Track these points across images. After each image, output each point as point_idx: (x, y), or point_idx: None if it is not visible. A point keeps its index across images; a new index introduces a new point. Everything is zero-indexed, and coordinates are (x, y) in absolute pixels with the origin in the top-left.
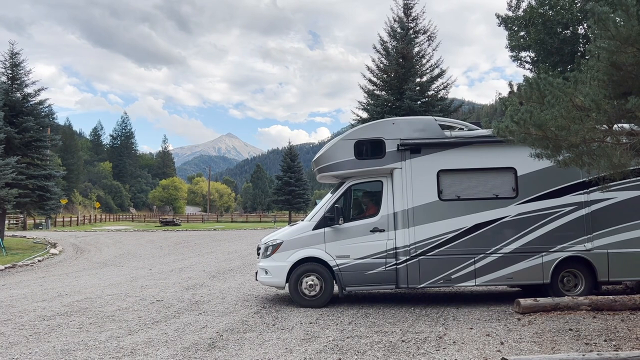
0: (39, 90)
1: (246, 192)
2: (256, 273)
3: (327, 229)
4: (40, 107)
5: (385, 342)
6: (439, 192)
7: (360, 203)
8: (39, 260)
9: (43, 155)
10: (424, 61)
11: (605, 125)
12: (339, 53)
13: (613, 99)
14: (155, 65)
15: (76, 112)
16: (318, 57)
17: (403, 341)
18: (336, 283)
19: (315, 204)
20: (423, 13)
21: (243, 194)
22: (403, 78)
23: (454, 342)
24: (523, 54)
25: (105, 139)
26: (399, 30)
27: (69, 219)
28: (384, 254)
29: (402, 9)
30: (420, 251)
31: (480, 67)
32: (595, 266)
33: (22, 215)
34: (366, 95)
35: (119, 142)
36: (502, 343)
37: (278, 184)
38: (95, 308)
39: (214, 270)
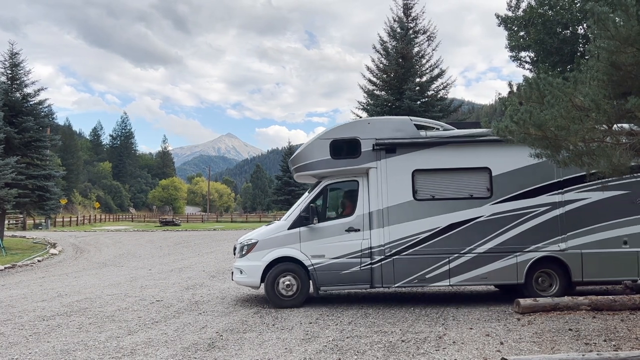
0: (39, 90)
1: (246, 192)
2: (232, 273)
3: (302, 228)
4: (40, 107)
5: (385, 342)
6: (414, 192)
7: (336, 202)
8: (38, 261)
9: (43, 155)
10: (424, 61)
11: (604, 125)
12: (336, 53)
13: (613, 99)
14: (152, 65)
15: (74, 112)
16: (315, 57)
17: (403, 341)
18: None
19: None
20: (423, 13)
21: (243, 194)
22: (403, 78)
23: (453, 342)
24: (523, 54)
25: (105, 139)
26: (398, 30)
27: (69, 219)
28: (359, 253)
29: (401, 9)
30: (394, 251)
31: (477, 67)
32: (569, 266)
33: (21, 216)
34: (366, 95)
35: (118, 142)
36: (501, 343)
37: (278, 184)
38: (95, 308)
39: (214, 270)
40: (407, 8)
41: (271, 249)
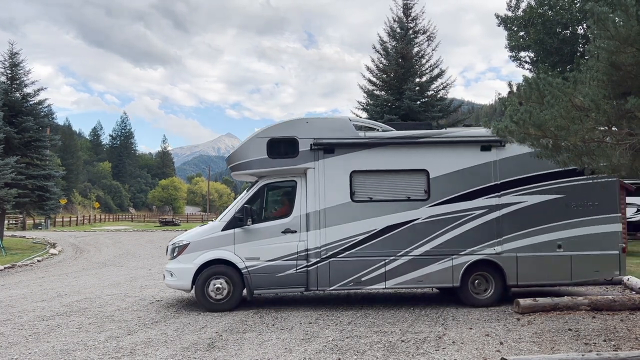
0: (38, 90)
1: None
2: (164, 275)
3: (237, 229)
4: (40, 107)
5: (385, 342)
6: (352, 193)
7: (273, 203)
8: (38, 261)
9: (42, 155)
10: (424, 61)
11: (605, 127)
12: (335, 53)
13: (612, 99)
14: (151, 65)
15: (73, 112)
16: (314, 57)
17: (402, 341)
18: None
19: None
20: (422, 13)
21: None
22: (402, 78)
23: (453, 342)
24: (522, 54)
25: (105, 139)
26: (398, 30)
27: (69, 219)
28: (295, 255)
29: (401, 9)
30: (330, 253)
31: (476, 67)
32: (504, 270)
33: (21, 216)
34: (365, 95)
35: (118, 142)
36: (501, 343)
37: None
38: (95, 308)
39: None
40: (407, 8)
41: (203, 251)
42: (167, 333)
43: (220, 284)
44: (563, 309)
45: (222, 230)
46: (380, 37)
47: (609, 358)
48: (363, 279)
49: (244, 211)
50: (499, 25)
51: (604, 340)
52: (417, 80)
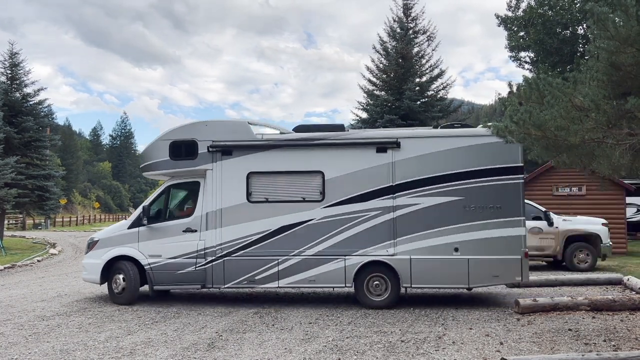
0: (38, 90)
1: None
2: None
3: (141, 228)
4: (40, 107)
5: (385, 342)
6: (248, 194)
7: (177, 203)
8: (38, 261)
9: (42, 155)
10: (424, 61)
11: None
12: (334, 53)
13: (612, 99)
14: (151, 65)
15: (72, 112)
16: (313, 57)
17: (402, 341)
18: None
19: None
20: (422, 13)
21: None
22: (402, 78)
23: (453, 342)
24: (522, 54)
25: (105, 139)
26: (398, 30)
27: (69, 219)
28: (195, 254)
29: (401, 9)
30: (225, 252)
31: (475, 67)
32: (397, 272)
33: (21, 215)
34: (365, 96)
35: (118, 142)
36: (501, 343)
37: None
38: (95, 308)
39: None
40: (407, 8)
41: (111, 248)
42: (167, 333)
43: (119, 279)
44: (563, 309)
45: (128, 228)
46: (380, 37)
47: (609, 358)
48: (256, 277)
49: (142, 211)
50: (499, 26)
51: (604, 340)
52: (417, 80)
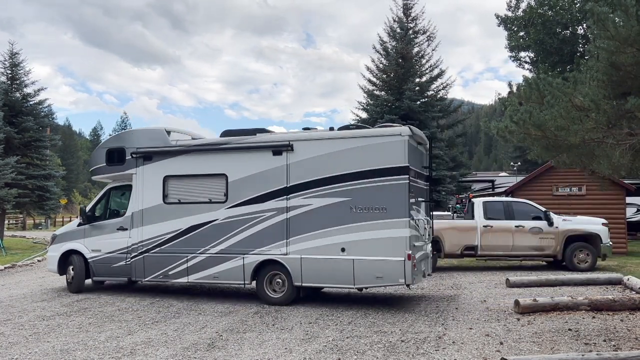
0: (39, 90)
1: None
2: None
3: (87, 226)
4: (40, 107)
5: (385, 342)
6: (164, 196)
7: (115, 204)
8: (38, 260)
9: (43, 155)
10: (424, 61)
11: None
12: (333, 53)
13: (612, 99)
14: (150, 65)
15: (72, 112)
16: (312, 57)
17: (402, 341)
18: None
19: None
20: (422, 13)
21: None
22: (402, 78)
23: (453, 342)
24: (522, 54)
25: (105, 139)
26: (398, 30)
27: (69, 218)
28: (125, 250)
29: (401, 9)
30: (145, 249)
31: (474, 67)
32: (290, 270)
33: (21, 216)
34: (365, 96)
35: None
36: (501, 343)
37: None
38: (95, 308)
39: None
40: (407, 8)
41: (65, 242)
42: (167, 333)
43: (71, 270)
44: (563, 309)
45: (77, 225)
46: (380, 37)
47: (609, 358)
48: (170, 272)
49: (80, 211)
50: (499, 26)
51: (604, 340)
52: (417, 80)
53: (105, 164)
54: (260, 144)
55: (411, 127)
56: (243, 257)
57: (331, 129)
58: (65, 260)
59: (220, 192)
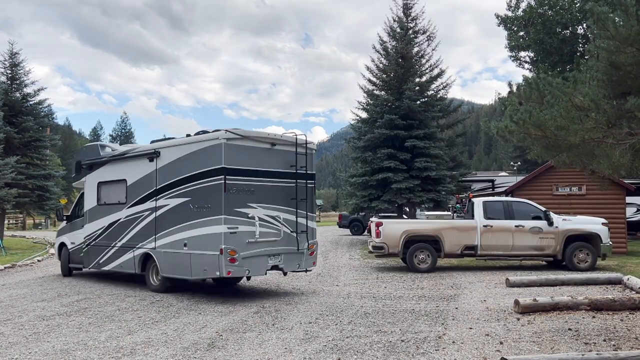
0: (38, 90)
1: None
2: None
3: (69, 223)
4: (40, 107)
5: (385, 342)
6: (98, 199)
7: (81, 206)
8: (38, 260)
9: (42, 155)
10: (424, 61)
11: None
12: (332, 52)
13: (612, 98)
14: (149, 65)
15: (71, 112)
16: (311, 57)
17: (402, 341)
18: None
19: (318, 204)
20: (422, 13)
21: None
22: (402, 78)
23: (453, 342)
24: (522, 53)
25: (105, 139)
26: (398, 30)
27: None
28: (82, 242)
29: (401, 9)
30: (88, 242)
31: (472, 67)
32: (157, 263)
33: (21, 215)
34: (365, 95)
35: (118, 142)
36: (501, 343)
37: None
38: (95, 308)
39: None
40: (407, 8)
41: (61, 236)
42: (167, 333)
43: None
44: (563, 309)
45: (66, 222)
46: (380, 37)
47: (609, 358)
48: (100, 262)
49: (57, 210)
50: (498, 25)
51: (604, 340)
52: (417, 80)
53: (75, 174)
54: (142, 152)
55: (236, 130)
56: (133, 250)
57: (187, 135)
58: (61, 249)
59: (123, 195)
